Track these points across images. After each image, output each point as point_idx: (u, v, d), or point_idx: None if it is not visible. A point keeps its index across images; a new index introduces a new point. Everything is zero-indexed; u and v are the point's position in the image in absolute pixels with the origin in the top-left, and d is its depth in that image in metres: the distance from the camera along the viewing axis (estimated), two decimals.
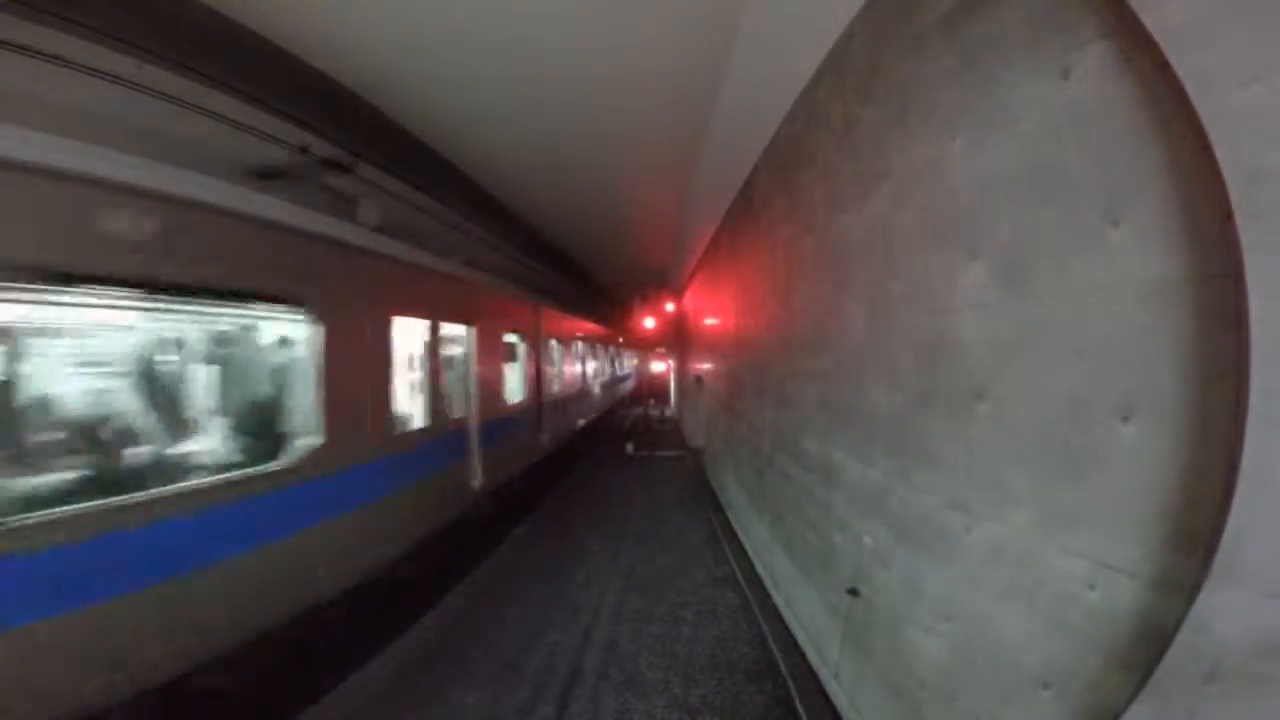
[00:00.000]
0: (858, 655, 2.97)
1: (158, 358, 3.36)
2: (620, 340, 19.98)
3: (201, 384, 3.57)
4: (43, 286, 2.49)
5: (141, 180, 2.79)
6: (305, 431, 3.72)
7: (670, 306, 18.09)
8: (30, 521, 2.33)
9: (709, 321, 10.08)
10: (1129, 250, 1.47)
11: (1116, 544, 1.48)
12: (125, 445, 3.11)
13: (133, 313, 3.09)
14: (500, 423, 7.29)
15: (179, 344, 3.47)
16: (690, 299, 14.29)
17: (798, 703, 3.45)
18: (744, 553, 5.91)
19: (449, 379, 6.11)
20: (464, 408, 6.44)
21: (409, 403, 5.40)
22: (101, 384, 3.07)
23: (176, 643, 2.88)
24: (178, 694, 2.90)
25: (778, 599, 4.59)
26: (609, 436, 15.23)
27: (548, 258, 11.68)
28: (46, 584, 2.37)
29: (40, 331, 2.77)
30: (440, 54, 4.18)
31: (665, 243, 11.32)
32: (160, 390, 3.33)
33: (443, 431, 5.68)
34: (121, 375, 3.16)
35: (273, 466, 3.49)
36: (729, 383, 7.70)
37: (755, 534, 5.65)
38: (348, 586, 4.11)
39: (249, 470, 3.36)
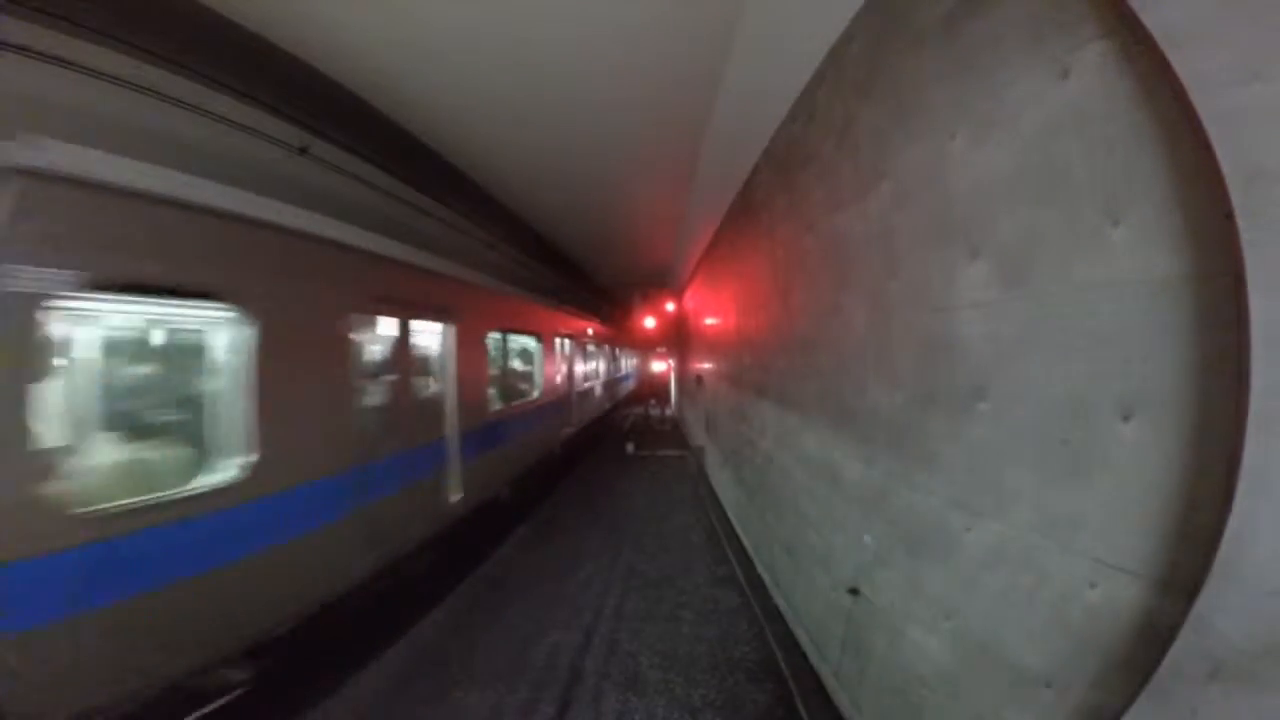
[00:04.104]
0: (859, 654, 2.97)
1: None
2: (620, 340, 20.00)
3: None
4: None
5: None
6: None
7: (670, 306, 18.09)
8: None
9: (709, 321, 10.08)
10: (1129, 249, 1.47)
11: (1117, 543, 1.49)
12: None
13: None
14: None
15: None
16: (690, 299, 14.29)
17: (799, 702, 3.45)
18: (744, 552, 5.91)
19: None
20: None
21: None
22: None
23: None
24: None
25: (778, 598, 4.59)
26: (610, 436, 15.24)
27: (546, 257, 11.68)
28: None
29: None
30: (441, 56, 4.17)
31: (665, 243, 11.32)
32: None
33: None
34: None
35: None
36: (729, 382, 7.70)
37: (755, 533, 5.65)
38: None
39: None
